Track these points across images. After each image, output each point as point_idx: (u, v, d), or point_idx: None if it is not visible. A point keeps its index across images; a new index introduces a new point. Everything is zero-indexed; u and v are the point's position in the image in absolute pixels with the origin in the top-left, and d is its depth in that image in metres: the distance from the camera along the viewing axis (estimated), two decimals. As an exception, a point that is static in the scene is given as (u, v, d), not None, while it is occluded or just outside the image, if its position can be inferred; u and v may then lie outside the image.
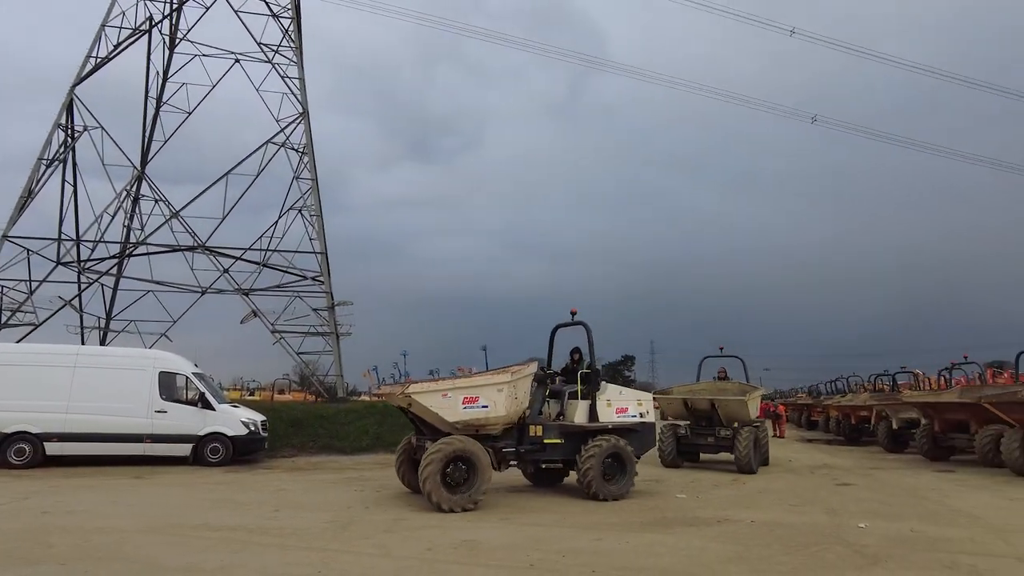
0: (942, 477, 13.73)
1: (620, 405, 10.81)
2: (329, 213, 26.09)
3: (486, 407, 9.43)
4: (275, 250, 25.27)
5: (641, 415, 10.98)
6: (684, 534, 7.72)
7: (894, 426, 19.78)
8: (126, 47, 25.73)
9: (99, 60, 25.18)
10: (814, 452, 20.66)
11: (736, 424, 14.31)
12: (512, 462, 10.25)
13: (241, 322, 25.25)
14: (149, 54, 26.99)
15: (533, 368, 10.17)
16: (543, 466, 11.01)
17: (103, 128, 24.66)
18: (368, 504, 9.63)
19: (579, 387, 10.66)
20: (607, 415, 10.58)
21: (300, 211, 25.66)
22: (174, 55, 27.44)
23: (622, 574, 5.93)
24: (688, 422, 15.18)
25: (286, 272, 25.54)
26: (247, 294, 25.08)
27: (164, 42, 27.55)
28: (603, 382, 11.01)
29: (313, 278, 25.50)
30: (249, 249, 25.24)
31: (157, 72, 27.49)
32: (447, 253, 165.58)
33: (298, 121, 26.08)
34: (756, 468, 13.91)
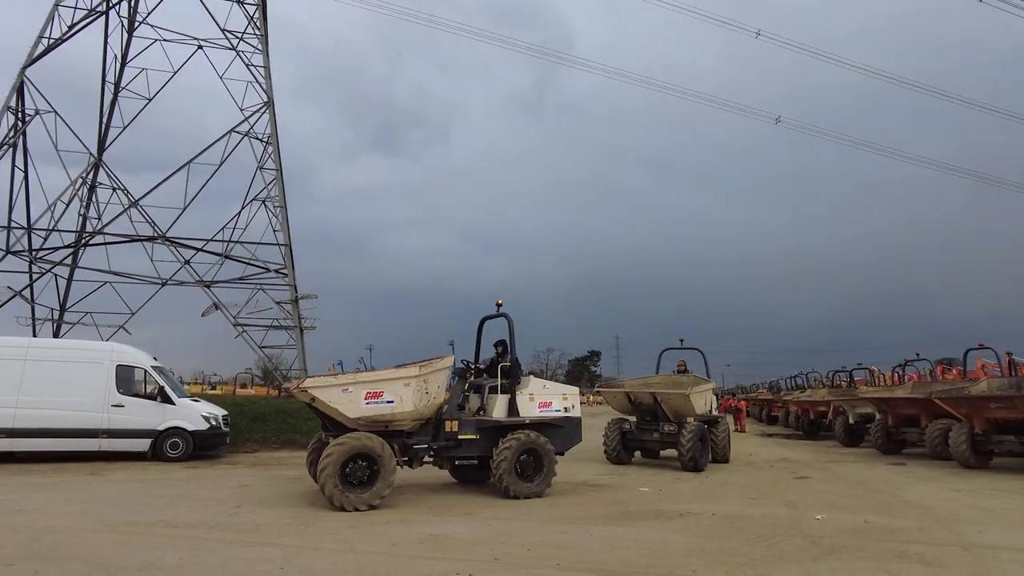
0: (894, 470, 14.21)
1: (543, 399, 10.44)
2: (293, 204, 25.69)
3: (391, 402, 9.09)
4: (238, 241, 24.80)
5: (566, 410, 10.59)
6: (647, 527, 7.83)
7: (850, 421, 20.40)
8: (81, 28, 24.85)
9: (52, 41, 24.26)
10: (774, 446, 21.17)
11: (691, 419, 13.81)
12: (427, 459, 9.90)
13: (202, 315, 24.71)
14: (106, 37, 26.12)
15: (447, 362, 9.76)
16: (456, 463, 10.51)
17: (56, 112, 23.85)
18: (332, 500, 9.52)
19: (499, 381, 10.26)
20: (528, 410, 10.22)
21: (264, 202, 25.21)
22: (133, 39, 26.63)
23: (586, 567, 5.99)
24: (635, 417, 14.87)
25: (249, 264, 25.07)
26: (209, 286, 24.53)
27: (122, 25, 26.70)
28: (528, 376, 10.73)
29: (276, 270, 25.08)
30: (211, 240, 24.71)
31: (115, 56, 26.64)
32: (414, 247, 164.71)
33: (263, 110, 25.56)
34: (703, 465, 13.41)
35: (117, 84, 26.54)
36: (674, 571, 5.90)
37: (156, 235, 24.20)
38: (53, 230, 24.18)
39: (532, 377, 10.76)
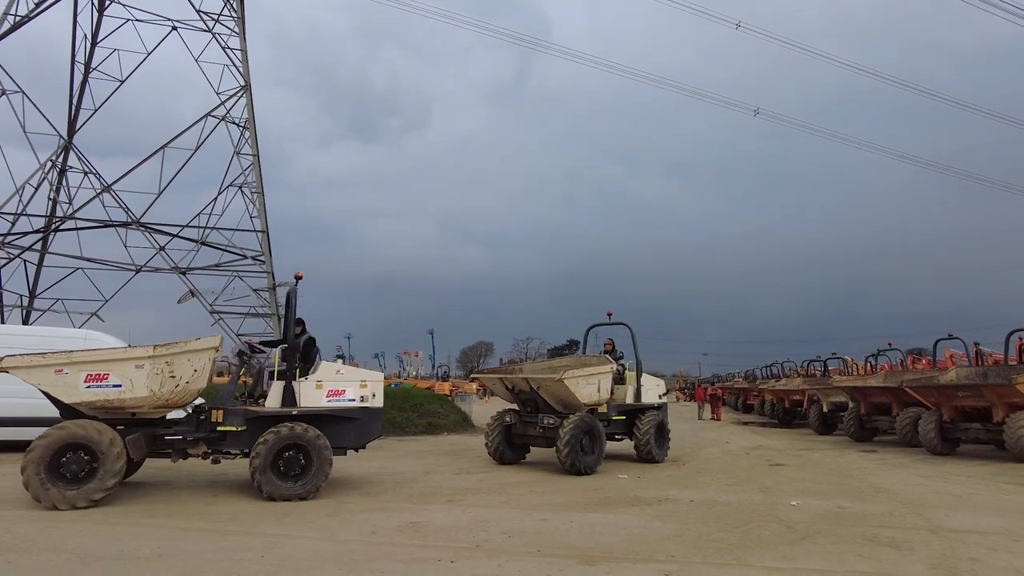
0: (866, 457, 14.54)
1: (334, 387, 9.23)
2: (269, 191, 25.31)
3: (119, 386, 8.06)
4: (214, 228, 24.42)
5: (363, 399, 9.35)
6: (626, 513, 7.93)
7: (824, 409, 20.81)
8: (49, 5, 24.09)
9: (18, 19, 23.50)
10: (749, 434, 21.51)
11: (595, 410, 11.93)
12: (197, 452, 8.83)
13: (178, 302, 24.32)
14: (76, 15, 25.32)
15: (205, 343, 8.59)
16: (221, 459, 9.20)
17: (24, 93, 23.15)
18: (312, 488, 9.47)
19: (275, 365, 9.16)
20: (313, 398, 9.05)
21: (240, 188, 24.81)
22: (104, 18, 25.86)
23: (567, 553, 6.05)
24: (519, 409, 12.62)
25: (225, 251, 24.71)
26: (184, 273, 24.14)
27: (92, 3, 25.92)
28: (321, 360, 9.58)
29: (254, 257, 24.76)
30: (187, 226, 24.30)
31: (85, 36, 25.84)
32: (391, 235, 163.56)
33: (239, 94, 25.10)
34: (587, 467, 11.05)
35: (87, 65, 25.80)
36: (653, 556, 5.99)
37: (130, 221, 23.71)
38: (22, 214, 23.55)
39: (325, 362, 9.56)
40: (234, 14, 25.84)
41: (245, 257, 24.72)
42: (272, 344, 9.80)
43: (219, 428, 8.73)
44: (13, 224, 23.52)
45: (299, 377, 9.04)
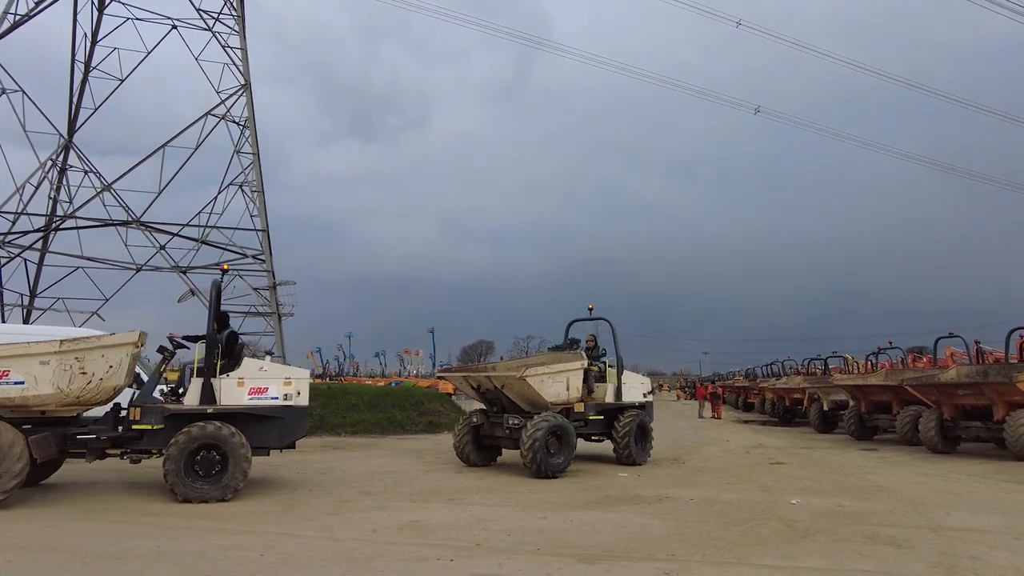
0: (866, 455, 14.52)
1: (257, 384, 8.91)
2: (268, 190, 25.28)
3: (21, 383, 7.75)
4: (214, 227, 24.44)
5: (286, 397, 9.04)
6: (626, 512, 7.92)
7: (825, 407, 20.78)
8: (48, 4, 24.08)
9: (18, 18, 23.50)
10: (750, 433, 21.50)
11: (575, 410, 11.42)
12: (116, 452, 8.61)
13: (179, 301, 24.32)
14: (75, 14, 25.34)
15: (126, 338, 8.31)
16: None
17: (24, 92, 23.19)
18: (311, 487, 9.49)
19: (195, 361, 8.88)
20: (235, 396, 8.73)
21: (240, 187, 24.82)
22: (104, 17, 25.86)
23: (567, 551, 6.05)
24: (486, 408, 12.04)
25: (226, 250, 24.73)
26: (185, 272, 24.15)
27: (92, 2, 25.90)
28: (246, 356, 9.29)
29: (254, 256, 24.77)
30: (187, 225, 24.33)
31: (85, 34, 25.85)
32: (391, 234, 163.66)
33: (239, 93, 25.10)
34: (553, 471, 10.41)
35: (87, 64, 25.79)
36: (653, 555, 5.98)
37: (130, 219, 23.72)
38: (22, 213, 23.57)
39: (248, 358, 9.23)
40: (234, 13, 25.83)
41: (245, 256, 24.74)
42: (197, 339, 9.31)
43: (135, 427, 8.39)
44: (13, 223, 23.55)
45: (221, 374, 8.74)
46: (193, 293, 24.02)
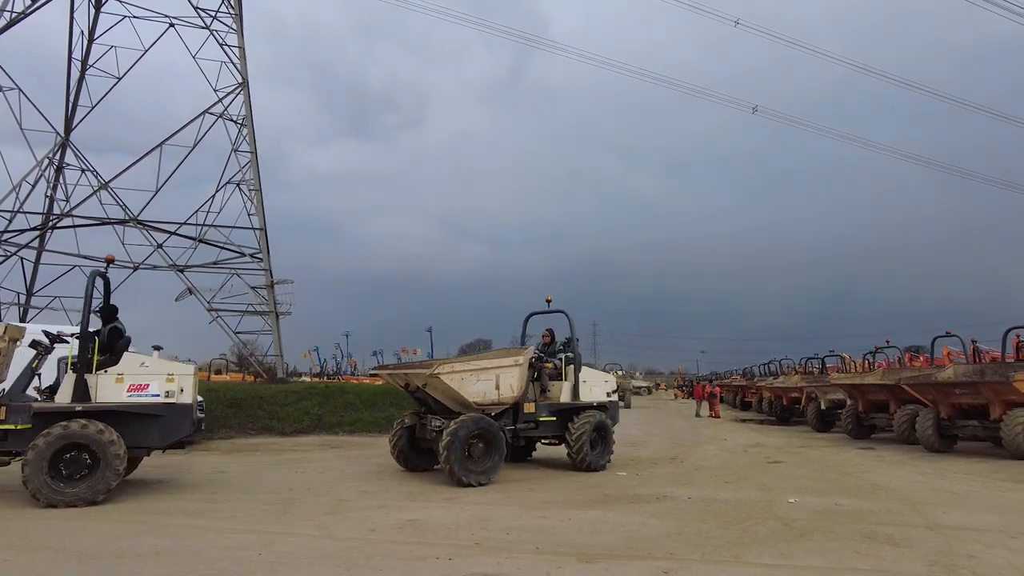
0: (864, 454, 14.56)
1: (137, 381, 8.46)
2: (266, 189, 25.23)
3: None
4: (212, 225, 24.35)
5: (168, 394, 8.57)
6: (625, 511, 7.93)
7: (822, 406, 20.81)
8: (45, 2, 23.98)
9: (14, 15, 23.40)
10: (747, 432, 21.54)
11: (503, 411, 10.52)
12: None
13: (176, 300, 24.30)
14: (72, 12, 25.23)
15: None
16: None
17: (20, 89, 23.10)
18: (309, 486, 9.48)
19: (69, 357, 8.45)
20: (112, 393, 8.32)
21: (238, 185, 24.74)
22: (100, 14, 25.74)
23: (566, 550, 6.05)
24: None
25: (223, 248, 24.65)
26: (182, 270, 24.09)
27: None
28: (125, 350, 8.76)
29: (251, 255, 24.71)
30: (184, 224, 24.22)
31: (82, 32, 25.74)
32: (388, 233, 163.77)
33: (237, 91, 25.01)
34: (476, 479, 9.52)
35: (84, 61, 25.68)
36: (652, 554, 6.00)
37: (127, 218, 23.65)
38: (19, 212, 23.50)
39: (129, 354, 8.77)
40: (231, 11, 25.74)
41: (243, 255, 24.67)
42: (59, 336, 8.82)
43: (0, 427, 7.92)
44: (10, 221, 23.48)
45: (99, 370, 8.36)
46: (191, 292, 23.99)
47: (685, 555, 5.96)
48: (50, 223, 24.20)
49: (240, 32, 25.69)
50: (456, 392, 9.96)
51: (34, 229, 24.00)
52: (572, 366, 11.63)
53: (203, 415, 15.31)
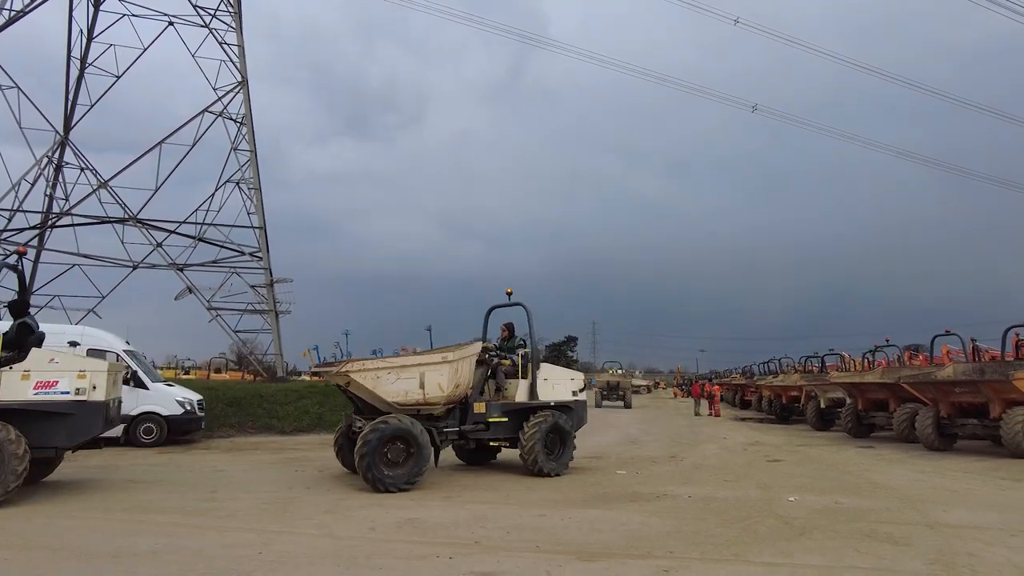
0: (863, 453, 14.56)
1: (45, 378, 8.05)
2: (265, 188, 25.19)
3: None
4: (211, 224, 24.34)
5: (78, 391, 8.13)
6: (625, 510, 7.93)
7: (822, 405, 20.82)
8: (44, 1, 23.95)
9: (13, 14, 23.36)
10: (747, 430, 21.54)
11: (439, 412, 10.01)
12: None
13: (175, 298, 24.29)
14: (71, 10, 25.18)
15: None
16: None
17: (19, 88, 23.07)
18: (309, 485, 9.47)
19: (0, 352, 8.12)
20: (17, 391, 7.95)
21: (238, 184, 24.74)
22: (99, 13, 25.70)
23: (565, 549, 6.05)
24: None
25: (223, 247, 24.66)
26: (182, 269, 24.08)
27: (88, -2, 25.77)
28: (37, 346, 8.43)
29: (251, 254, 24.70)
30: (184, 222, 24.23)
31: (81, 31, 25.69)
32: (387, 232, 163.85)
33: (236, 90, 24.99)
34: (392, 484, 8.87)
35: (83, 60, 25.64)
36: (652, 552, 5.99)
37: (127, 217, 23.63)
38: (18, 211, 23.48)
39: (37, 350, 8.40)
40: (231, 9, 25.72)
41: (243, 253, 24.66)
42: None
43: None
44: (9, 220, 23.46)
45: (4, 366, 8.01)
46: (190, 291, 23.97)
47: (685, 553, 5.95)
48: (49, 222, 24.18)
49: (239, 30, 25.66)
50: (372, 392, 9.43)
51: (33, 228, 23.99)
52: (530, 363, 10.94)
53: (203, 414, 15.35)
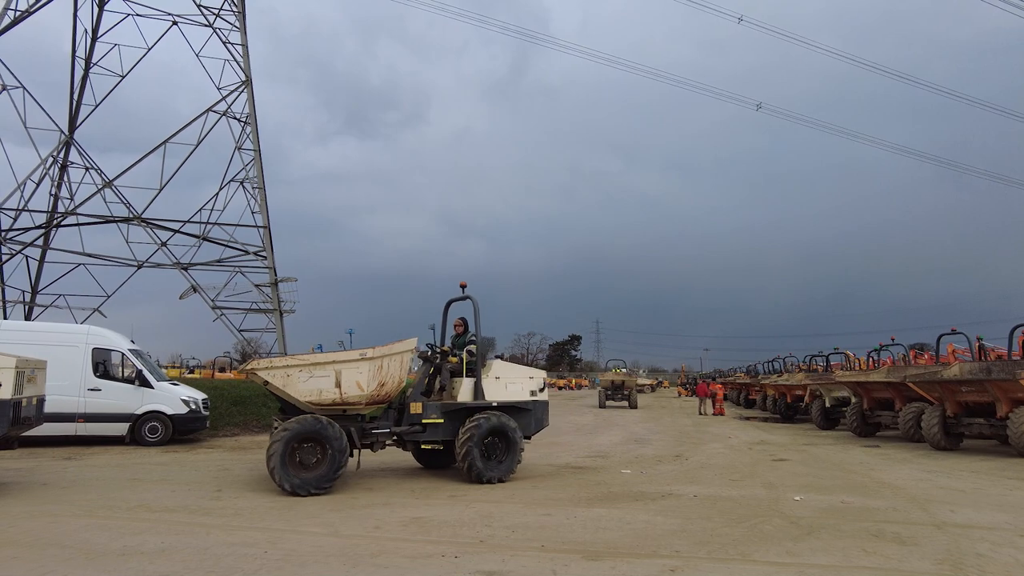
0: (869, 452, 14.51)
1: None
2: (266, 186, 25.20)
3: None
4: (216, 223, 24.41)
5: None
6: (630, 508, 7.91)
7: (827, 404, 20.76)
8: (49, 1, 24.02)
9: (19, 14, 23.44)
10: (752, 429, 21.49)
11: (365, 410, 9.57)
12: None
13: (180, 297, 24.36)
14: (76, 10, 25.25)
15: None
16: None
17: (24, 88, 23.15)
18: (315, 483, 9.46)
19: None
20: None
21: (242, 183, 24.78)
22: (104, 13, 25.80)
23: (571, 548, 6.04)
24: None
25: (227, 246, 24.74)
26: (186, 268, 24.15)
27: (93, -2, 25.84)
28: None
29: (255, 253, 24.76)
30: (188, 222, 24.31)
31: (85, 31, 25.78)
32: (389, 230, 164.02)
33: (240, 89, 25.04)
34: (301, 487, 8.41)
35: (88, 60, 25.72)
36: (658, 551, 5.97)
37: (131, 216, 23.70)
38: (23, 210, 23.57)
39: None
40: (234, 9, 25.76)
41: (247, 252, 24.72)
42: None
43: None
44: (15, 220, 23.56)
45: None
46: (195, 290, 24.03)
47: (691, 553, 5.94)
48: (54, 221, 24.26)
49: (243, 30, 25.71)
50: (282, 391, 9.00)
51: (39, 227, 24.08)
52: (476, 360, 10.25)
53: (207, 413, 15.38)
